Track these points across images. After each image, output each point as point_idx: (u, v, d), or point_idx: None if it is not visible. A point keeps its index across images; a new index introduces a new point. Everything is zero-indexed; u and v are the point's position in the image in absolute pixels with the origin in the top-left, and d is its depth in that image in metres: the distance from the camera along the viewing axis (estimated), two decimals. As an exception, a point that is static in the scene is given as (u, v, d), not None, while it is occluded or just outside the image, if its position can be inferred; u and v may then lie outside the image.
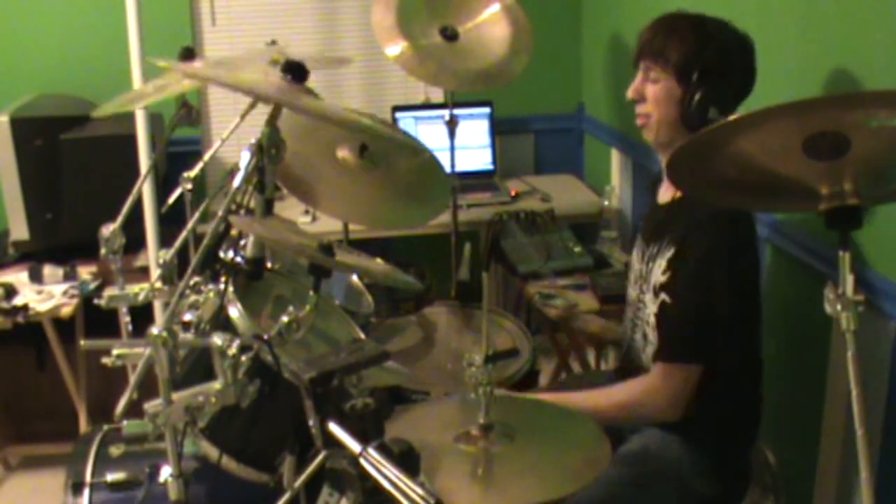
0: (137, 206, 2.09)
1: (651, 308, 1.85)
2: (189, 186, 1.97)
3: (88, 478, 1.69)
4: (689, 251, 1.76)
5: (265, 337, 1.35)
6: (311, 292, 1.40)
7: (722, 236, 1.74)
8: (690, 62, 1.75)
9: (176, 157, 3.07)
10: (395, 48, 2.50)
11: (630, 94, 1.87)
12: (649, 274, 1.87)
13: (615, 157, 3.37)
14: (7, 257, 3.02)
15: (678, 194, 1.84)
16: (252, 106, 1.77)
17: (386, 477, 1.10)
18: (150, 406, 1.31)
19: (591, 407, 1.78)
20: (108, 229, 1.82)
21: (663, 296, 1.81)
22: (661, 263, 1.82)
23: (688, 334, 1.77)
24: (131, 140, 2.77)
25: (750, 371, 1.90)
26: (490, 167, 3.59)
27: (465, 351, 1.70)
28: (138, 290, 1.76)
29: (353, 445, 1.15)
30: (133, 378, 1.40)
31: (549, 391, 1.88)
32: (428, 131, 3.45)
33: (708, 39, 1.76)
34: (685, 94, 1.76)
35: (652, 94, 1.82)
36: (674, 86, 1.78)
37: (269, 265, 1.67)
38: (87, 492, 1.67)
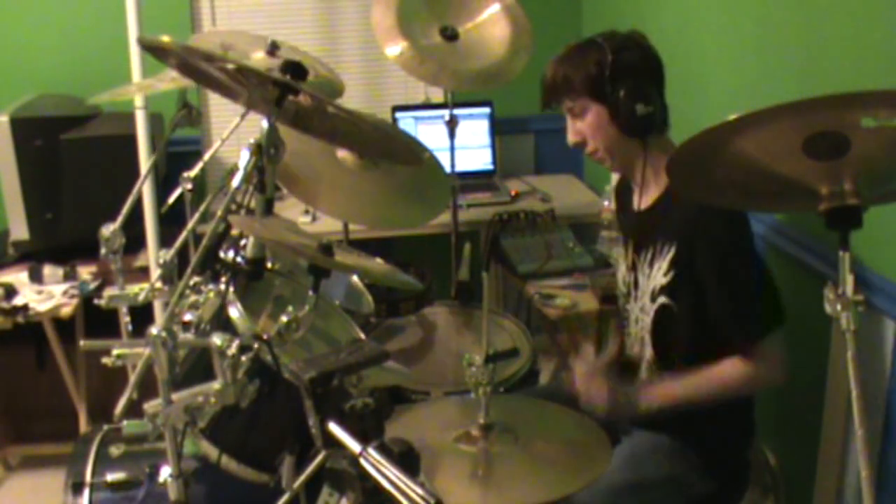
0: (137, 206, 2.09)
1: (651, 315, 1.85)
2: (189, 186, 1.97)
3: (88, 478, 1.69)
4: (698, 245, 1.73)
5: (265, 337, 1.36)
6: (311, 292, 1.40)
7: (729, 223, 1.72)
8: (596, 77, 1.77)
9: (176, 157, 3.07)
10: (395, 48, 2.50)
11: (570, 140, 1.89)
12: (645, 281, 1.86)
13: (615, 157, 3.37)
14: (7, 257, 3.02)
15: (658, 196, 1.84)
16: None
17: (386, 477, 1.10)
18: (150, 406, 1.31)
19: (694, 390, 1.76)
20: (108, 229, 1.82)
21: (663, 299, 1.81)
22: (661, 266, 1.81)
23: (745, 315, 1.74)
24: (131, 140, 2.76)
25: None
26: (490, 167, 3.59)
27: (465, 351, 1.70)
28: (138, 290, 1.76)
29: (353, 445, 1.15)
30: (133, 378, 1.40)
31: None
32: (428, 131, 3.45)
33: (599, 50, 1.78)
34: (610, 108, 1.78)
35: (586, 127, 1.84)
36: (598, 108, 1.80)
37: (269, 265, 1.67)
38: (87, 492, 1.67)
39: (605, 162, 1.89)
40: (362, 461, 1.13)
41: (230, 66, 1.43)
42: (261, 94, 1.47)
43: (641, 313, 1.89)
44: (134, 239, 2.25)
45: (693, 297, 1.77)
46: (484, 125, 3.59)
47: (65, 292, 2.81)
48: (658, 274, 1.82)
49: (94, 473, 1.70)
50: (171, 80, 1.95)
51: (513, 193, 3.37)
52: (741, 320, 1.75)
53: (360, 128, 1.56)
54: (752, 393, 1.86)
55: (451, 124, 2.76)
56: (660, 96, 1.81)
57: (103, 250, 1.83)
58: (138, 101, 2.74)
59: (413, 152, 1.76)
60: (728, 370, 1.76)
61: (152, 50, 1.55)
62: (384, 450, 1.14)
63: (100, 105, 3.16)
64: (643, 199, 1.90)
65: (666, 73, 1.83)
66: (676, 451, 1.85)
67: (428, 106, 3.58)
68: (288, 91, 1.42)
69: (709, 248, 1.73)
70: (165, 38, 1.46)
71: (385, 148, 1.73)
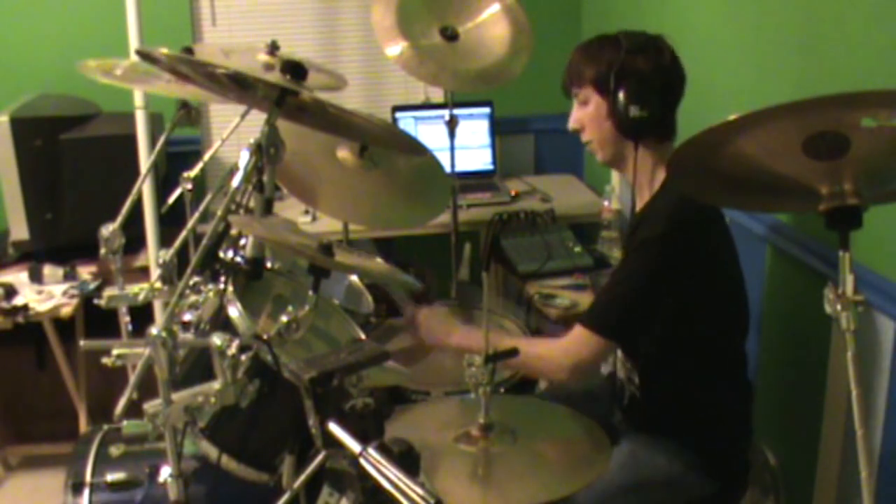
0: (137, 206, 2.10)
1: None
2: (189, 186, 1.97)
3: (88, 478, 1.69)
4: (630, 243, 1.83)
5: (265, 337, 1.35)
6: (311, 292, 1.40)
7: (659, 231, 1.76)
8: (604, 72, 1.81)
9: (176, 157, 3.07)
10: (395, 48, 2.50)
11: (570, 124, 1.94)
12: None
13: (615, 157, 3.37)
14: (7, 257, 3.02)
15: (647, 202, 1.87)
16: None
17: (386, 477, 1.10)
18: (150, 406, 1.31)
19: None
20: (108, 229, 1.82)
21: None
22: None
23: (606, 309, 1.82)
24: (131, 140, 2.77)
25: (732, 364, 1.91)
26: (490, 167, 3.59)
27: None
28: (138, 290, 1.76)
29: (353, 445, 1.15)
30: (133, 378, 1.40)
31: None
32: (428, 131, 3.45)
33: (616, 48, 1.82)
34: (609, 103, 1.82)
35: (586, 116, 1.89)
36: (599, 101, 1.84)
37: (269, 265, 1.67)
38: (87, 492, 1.67)
39: (597, 154, 1.93)
40: (362, 461, 1.13)
41: (227, 72, 1.43)
42: (262, 94, 1.47)
43: None
44: (134, 239, 2.25)
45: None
46: (484, 125, 3.59)
47: (65, 292, 2.81)
48: None
49: (94, 473, 1.69)
50: (166, 81, 1.95)
51: (513, 193, 3.36)
52: (594, 304, 1.87)
53: (360, 122, 1.56)
54: (541, 373, 1.95)
55: (451, 124, 2.76)
56: (663, 105, 1.82)
57: (103, 250, 1.83)
58: (138, 100, 2.74)
59: (414, 141, 1.76)
60: (540, 347, 1.88)
61: (152, 61, 1.55)
62: (384, 450, 1.14)
63: (99, 104, 3.17)
64: (638, 203, 1.92)
65: (684, 87, 1.84)
66: (676, 452, 1.85)
67: (428, 106, 3.57)
68: (288, 92, 1.42)
69: (634, 243, 1.81)
70: (163, 51, 1.46)
71: (387, 138, 1.74)
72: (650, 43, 1.83)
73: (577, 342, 1.81)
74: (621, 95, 1.78)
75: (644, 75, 1.78)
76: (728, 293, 1.87)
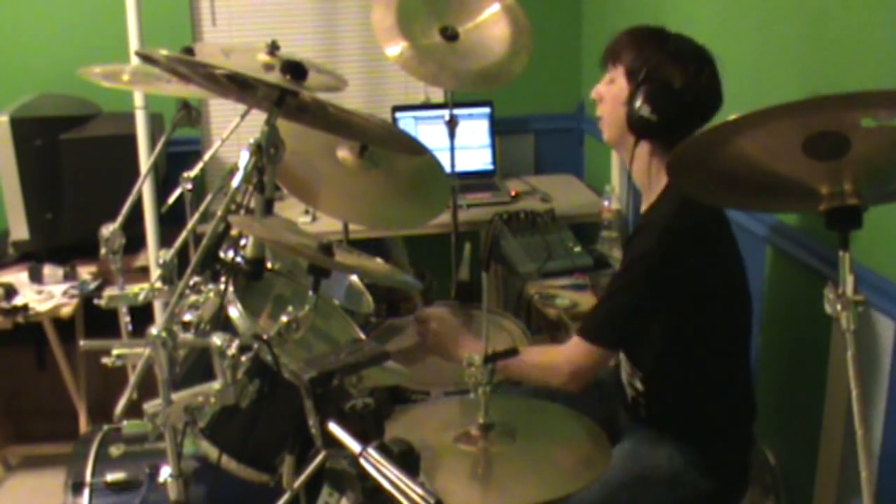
0: (137, 206, 2.10)
1: None
2: (189, 186, 1.97)
3: (88, 478, 1.69)
4: (628, 251, 1.85)
5: (265, 337, 1.35)
6: (311, 292, 1.40)
7: (656, 243, 1.77)
8: (639, 63, 1.81)
9: (176, 157, 3.07)
10: (395, 48, 2.50)
11: (592, 94, 1.95)
12: None
13: (615, 157, 3.36)
14: (7, 257, 3.02)
15: (650, 204, 1.87)
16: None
17: (386, 477, 1.10)
18: (150, 406, 1.31)
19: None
20: (108, 229, 1.82)
21: None
22: None
23: (604, 320, 1.85)
24: (131, 140, 2.77)
25: (735, 368, 1.91)
26: (490, 167, 3.59)
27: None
28: (138, 290, 1.76)
29: (353, 445, 1.15)
30: (133, 378, 1.40)
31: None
32: (428, 131, 3.45)
33: (662, 45, 1.82)
34: (630, 91, 1.82)
35: (607, 94, 1.90)
36: (625, 86, 1.85)
37: (269, 265, 1.67)
38: (87, 492, 1.67)
39: (603, 131, 1.95)
40: (362, 461, 1.13)
41: (227, 73, 1.43)
42: (262, 95, 1.47)
43: None
44: (134, 239, 2.24)
45: None
46: (484, 125, 3.58)
47: (65, 292, 2.81)
48: None
49: (94, 473, 1.70)
50: (167, 82, 1.95)
51: (513, 193, 3.36)
52: (593, 314, 1.91)
53: (360, 122, 1.56)
54: (541, 381, 1.93)
55: (451, 124, 2.76)
56: (680, 119, 1.77)
57: (103, 250, 1.83)
58: (138, 100, 2.74)
59: (415, 141, 1.76)
60: (541, 355, 1.91)
61: (151, 61, 1.55)
62: (384, 450, 1.14)
63: (99, 104, 3.17)
64: (644, 202, 1.92)
65: (715, 110, 1.82)
66: (678, 449, 1.85)
67: (428, 106, 3.57)
68: (288, 92, 1.42)
69: (631, 254, 1.83)
70: (163, 52, 1.46)
71: (387, 138, 1.74)
72: (695, 56, 1.82)
73: (576, 352, 1.83)
74: (641, 92, 1.79)
75: (672, 84, 1.77)
76: (730, 299, 1.87)
